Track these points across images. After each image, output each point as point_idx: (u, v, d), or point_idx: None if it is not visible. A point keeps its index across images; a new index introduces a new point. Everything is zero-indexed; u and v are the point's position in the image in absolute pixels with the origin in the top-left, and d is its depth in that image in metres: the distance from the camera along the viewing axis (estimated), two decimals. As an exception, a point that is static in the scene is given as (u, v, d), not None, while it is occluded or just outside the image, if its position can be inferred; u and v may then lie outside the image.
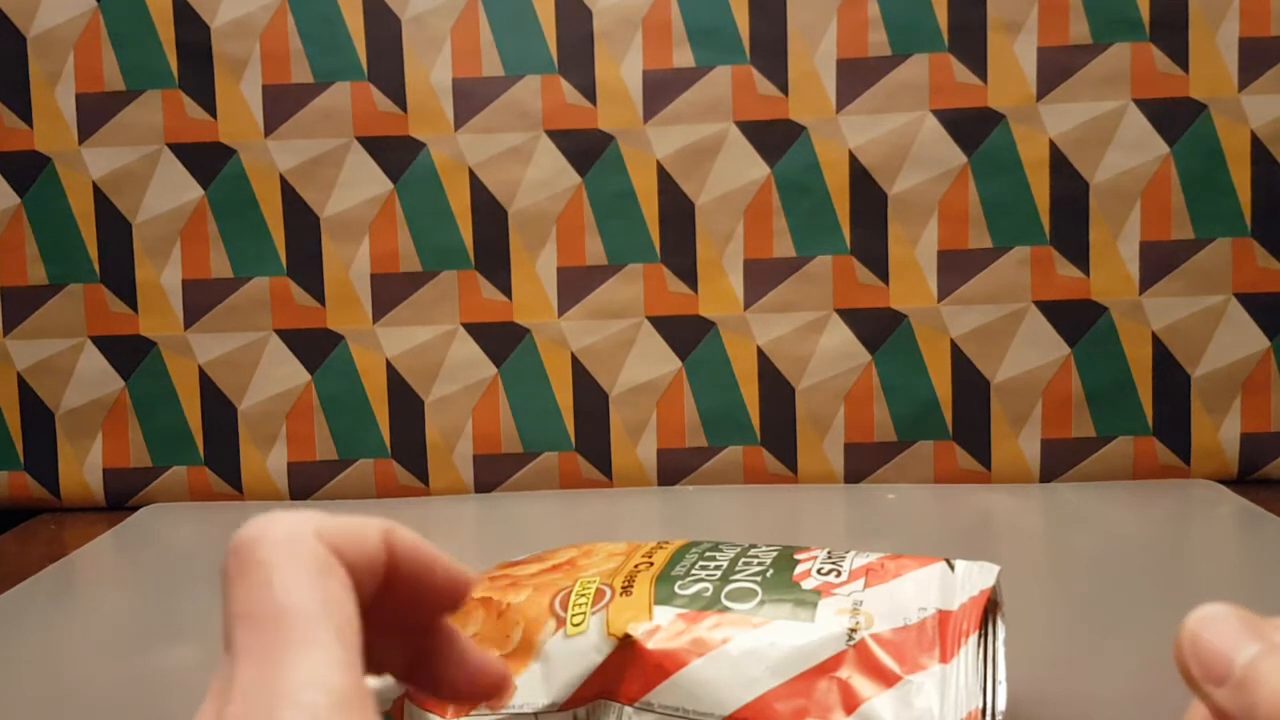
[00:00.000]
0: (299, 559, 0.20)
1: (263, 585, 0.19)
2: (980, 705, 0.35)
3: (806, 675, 0.36)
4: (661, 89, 0.82)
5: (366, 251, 0.84)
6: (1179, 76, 0.81)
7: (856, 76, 0.82)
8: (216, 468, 0.86)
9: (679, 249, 0.83)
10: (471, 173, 0.83)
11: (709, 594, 0.39)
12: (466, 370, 0.85)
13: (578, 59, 0.83)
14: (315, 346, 0.85)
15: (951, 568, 0.40)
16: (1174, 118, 0.81)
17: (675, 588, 0.40)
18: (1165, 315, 0.82)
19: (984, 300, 0.82)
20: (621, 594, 0.40)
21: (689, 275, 0.84)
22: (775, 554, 0.43)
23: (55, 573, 0.68)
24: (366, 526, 0.22)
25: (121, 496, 0.87)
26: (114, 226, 0.85)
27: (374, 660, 0.25)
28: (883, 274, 0.83)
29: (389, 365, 0.85)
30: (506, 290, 0.84)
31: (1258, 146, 0.81)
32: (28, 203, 0.85)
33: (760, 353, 0.84)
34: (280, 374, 0.85)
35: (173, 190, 0.84)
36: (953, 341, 0.83)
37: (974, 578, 0.39)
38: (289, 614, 0.19)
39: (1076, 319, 0.82)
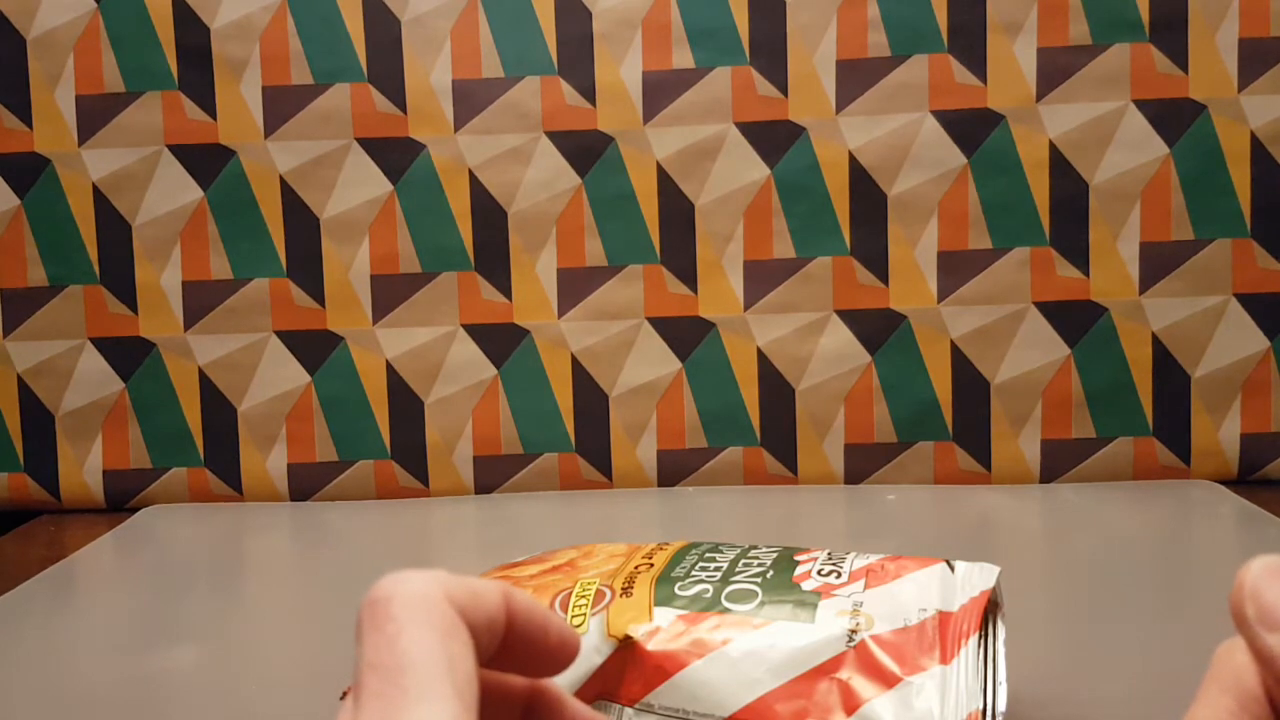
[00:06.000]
0: (428, 618, 0.22)
1: (393, 639, 0.21)
2: (980, 706, 0.35)
3: (807, 676, 0.36)
4: (661, 90, 0.82)
5: (366, 252, 0.84)
6: (1179, 77, 0.81)
7: (856, 77, 0.82)
8: (216, 469, 0.86)
9: (679, 250, 0.83)
10: (471, 174, 0.83)
11: (709, 595, 0.39)
12: (466, 371, 0.85)
13: (577, 60, 0.83)
14: (315, 347, 0.85)
15: (952, 569, 0.40)
16: (1174, 118, 0.81)
17: (675, 589, 0.40)
18: (1165, 316, 0.82)
19: (984, 301, 0.82)
20: (622, 595, 0.40)
21: (689, 276, 0.84)
22: (775, 555, 0.43)
23: (55, 574, 0.68)
24: (489, 589, 0.24)
25: (121, 498, 0.87)
26: (114, 228, 0.85)
27: None
28: (882, 275, 0.83)
29: (389, 366, 0.85)
30: (506, 291, 0.84)
31: (1257, 147, 0.81)
32: (27, 204, 0.85)
33: (760, 353, 0.84)
34: (280, 375, 0.85)
35: (172, 191, 0.84)
36: (953, 342, 0.83)
37: (974, 579, 0.39)
38: (415, 667, 0.21)
39: (1076, 319, 0.82)
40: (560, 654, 0.26)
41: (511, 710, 0.26)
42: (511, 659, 0.25)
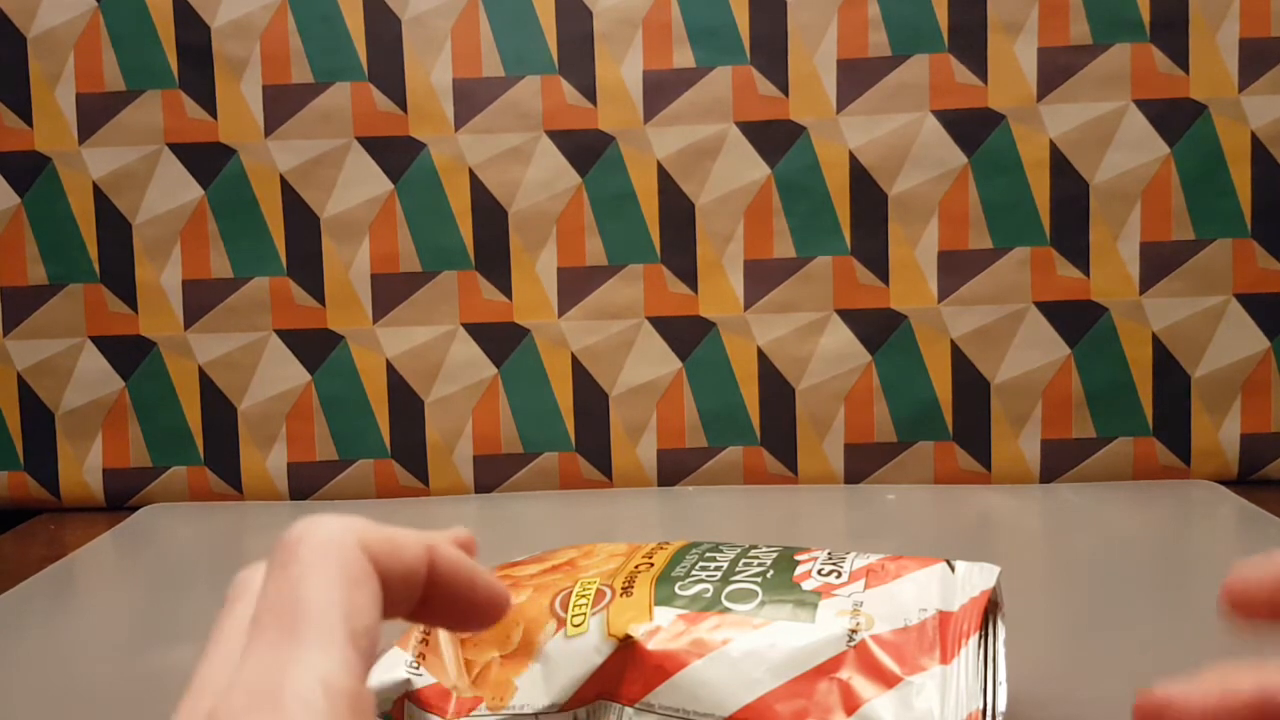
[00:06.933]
0: (334, 564, 0.21)
1: (294, 581, 0.21)
2: (981, 706, 0.35)
3: (807, 676, 0.36)
4: (662, 89, 0.82)
5: (366, 252, 0.84)
6: (1179, 77, 0.81)
7: (857, 77, 0.82)
8: (216, 468, 0.86)
9: (679, 249, 0.83)
10: (472, 173, 0.83)
11: (709, 595, 0.39)
12: (466, 370, 0.85)
13: (578, 59, 0.83)
14: (315, 347, 0.85)
15: (952, 569, 0.40)
16: (1174, 118, 0.81)
17: (676, 589, 0.40)
18: (1165, 316, 0.82)
19: (984, 301, 0.82)
20: (622, 595, 0.40)
21: (689, 276, 0.84)
22: (776, 555, 0.43)
23: (55, 573, 0.68)
24: (409, 543, 0.23)
25: (121, 497, 0.87)
26: (114, 226, 0.85)
27: None
28: (883, 274, 0.83)
29: (389, 365, 0.85)
30: (506, 291, 0.84)
31: (1258, 147, 0.81)
32: (28, 203, 0.85)
33: (760, 353, 0.84)
34: (280, 374, 0.85)
35: (173, 190, 0.84)
36: (953, 342, 0.83)
37: (974, 578, 0.39)
38: (311, 613, 0.20)
39: (1077, 319, 0.82)
40: (489, 609, 0.25)
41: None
42: (436, 613, 0.25)
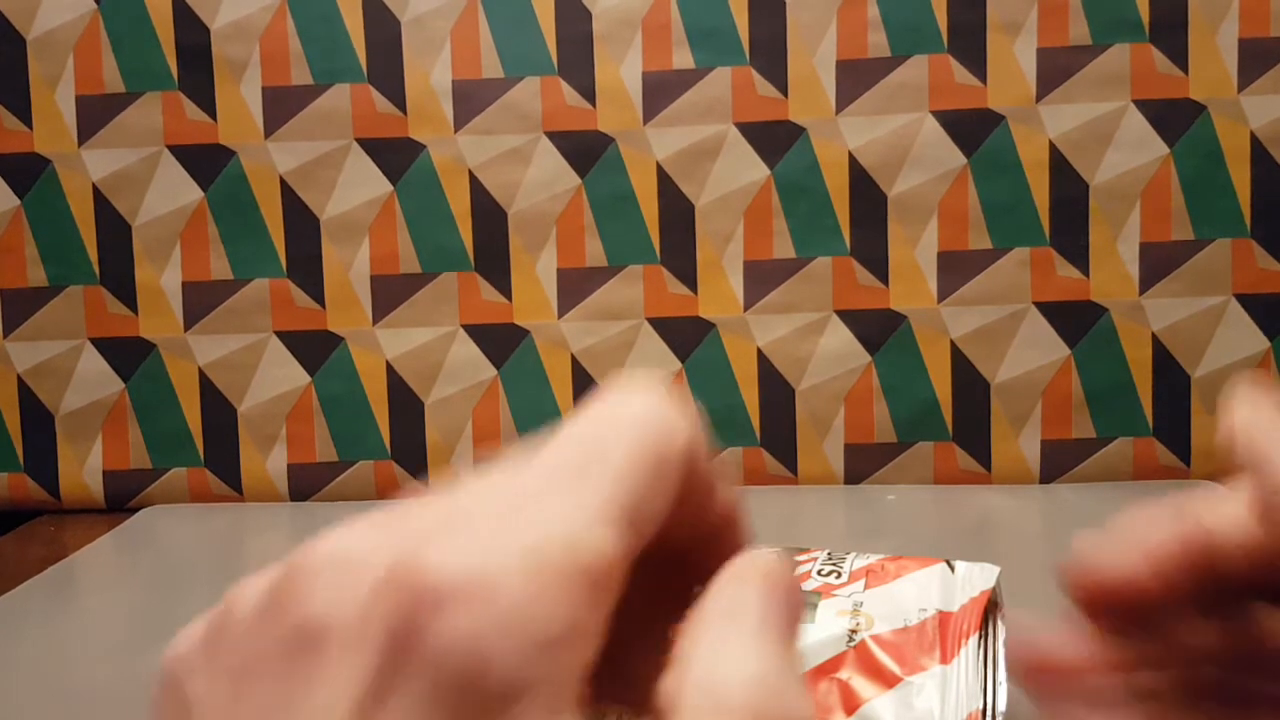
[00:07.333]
0: (642, 443, 0.19)
1: (595, 438, 0.19)
2: (981, 706, 0.35)
3: (807, 676, 0.36)
4: (661, 90, 0.82)
5: (366, 253, 0.84)
6: (1179, 77, 0.81)
7: (856, 77, 0.82)
8: (216, 469, 0.86)
9: (679, 250, 0.83)
10: (471, 174, 0.83)
11: (709, 595, 0.39)
12: (466, 371, 0.85)
13: (577, 60, 0.83)
14: (315, 348, 0.85)
15: (952, 569, 0.40)
16: (1174, 118, 0.81)
17: (675, 589, 0.40)
18: (1165, 316, 0.82)
19: (984, 301, 0.82)
20: (622, 595, 0.40)
21: (689, 276, 0.84)
22: (775, 555, 0.43)
23: (55, 574, 0.68)
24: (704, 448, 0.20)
25: (121, 498, 0.87)
26: (114, 228, 0.85)
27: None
28: (883, 275, 0.83)
29: (389, 366, 0.85)
30: (506, 292, 0.84)
31: (1258, 147, 0.81)
32: (27, 205, 0.85)
33: (760, 354, 0.84)
34: (280, 375, 0.85)
35: (172, 192, 0.84)
36: (953, 342, 0.83)
37: (974, 579, 0.39)
38: (600, 473, 0.18)
39: (1076, 320, 0.82)
40: (729, 527, 0.21)
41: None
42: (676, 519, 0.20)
